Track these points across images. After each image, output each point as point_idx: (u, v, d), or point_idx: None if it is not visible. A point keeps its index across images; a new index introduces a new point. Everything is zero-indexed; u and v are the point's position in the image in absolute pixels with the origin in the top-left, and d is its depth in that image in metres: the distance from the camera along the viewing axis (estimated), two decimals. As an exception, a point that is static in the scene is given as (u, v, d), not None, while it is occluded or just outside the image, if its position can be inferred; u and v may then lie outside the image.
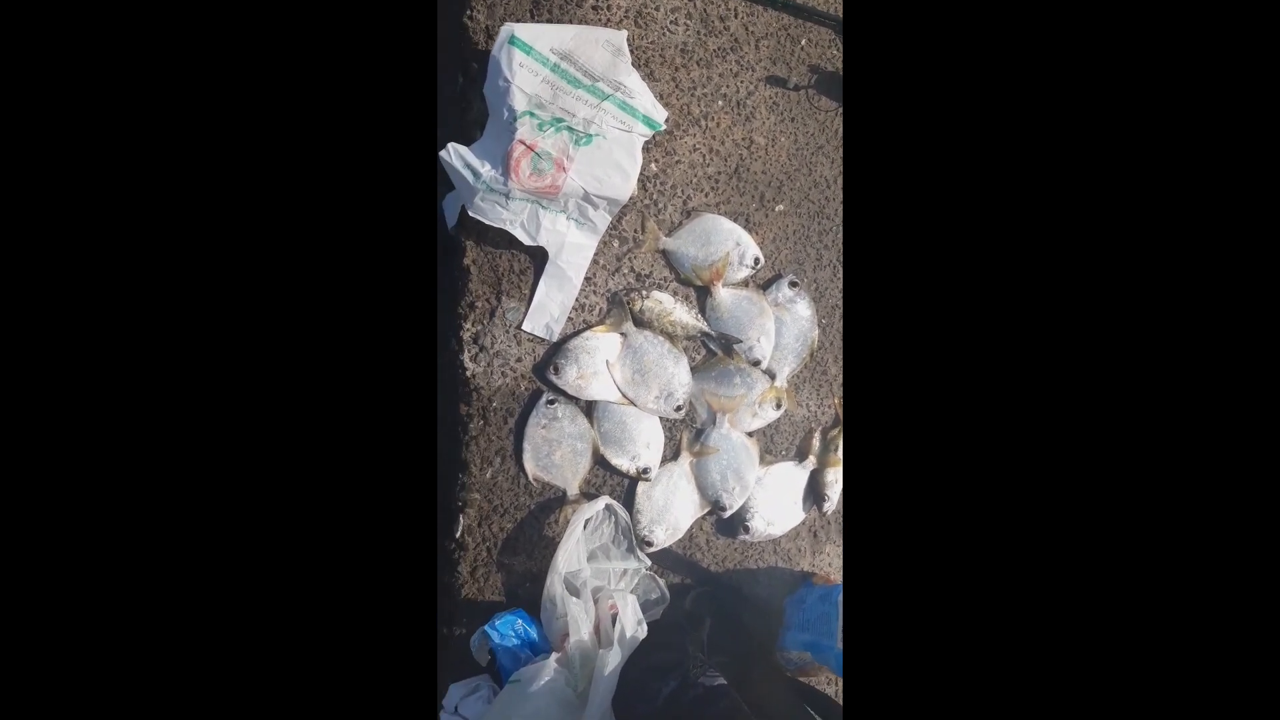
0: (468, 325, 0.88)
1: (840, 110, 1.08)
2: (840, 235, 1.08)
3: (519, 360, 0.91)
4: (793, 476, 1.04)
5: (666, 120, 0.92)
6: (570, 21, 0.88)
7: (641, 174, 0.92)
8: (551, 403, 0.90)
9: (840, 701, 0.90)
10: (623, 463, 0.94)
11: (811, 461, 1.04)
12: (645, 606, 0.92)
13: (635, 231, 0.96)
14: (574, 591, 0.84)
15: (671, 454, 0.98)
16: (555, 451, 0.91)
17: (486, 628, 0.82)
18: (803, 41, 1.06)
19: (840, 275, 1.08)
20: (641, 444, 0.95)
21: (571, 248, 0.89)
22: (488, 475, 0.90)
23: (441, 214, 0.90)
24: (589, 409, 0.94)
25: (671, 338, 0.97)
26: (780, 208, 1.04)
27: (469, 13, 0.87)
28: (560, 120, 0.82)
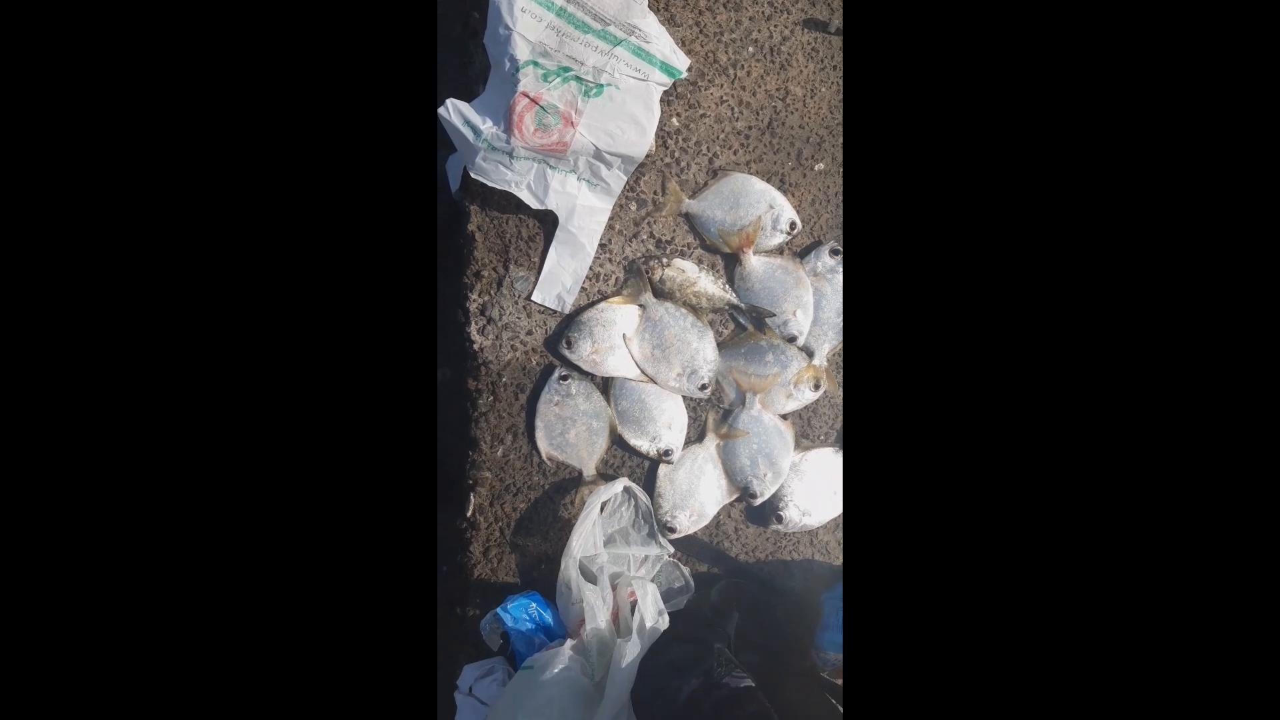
0: (474, 296, 0.84)
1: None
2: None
3: (529, 333, 0.86)
4: (832, 464, 0.94)
5: (689, 68, 0.84)
6: (580, -37, 0.81)
7: (661, 128, 0.84)
8: (565, 379, 0.85)
9: None
10: (642, 444, 0.88)
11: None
12: (667, 595, 0.86)
13: (655, 193, 0.88)
14: (590, 577, 0.79)
15: (696, 435, 0.91)
16: (569, 430, 0.86)
17: (499, 610, 0.78)
18: (847, -24, 0.95)
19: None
20: (663, 424, 0.88)
21: (583, 211, 0.83)
22: (499, 453, 0.86)
23: (444, 177, 0.85)
24: (605, 386, 0.88)
25: (696, 310, 0.89)
26: (820, 166, 0.94)
27: (471, -42, 0.81)
28: (567, 70, 0.75)
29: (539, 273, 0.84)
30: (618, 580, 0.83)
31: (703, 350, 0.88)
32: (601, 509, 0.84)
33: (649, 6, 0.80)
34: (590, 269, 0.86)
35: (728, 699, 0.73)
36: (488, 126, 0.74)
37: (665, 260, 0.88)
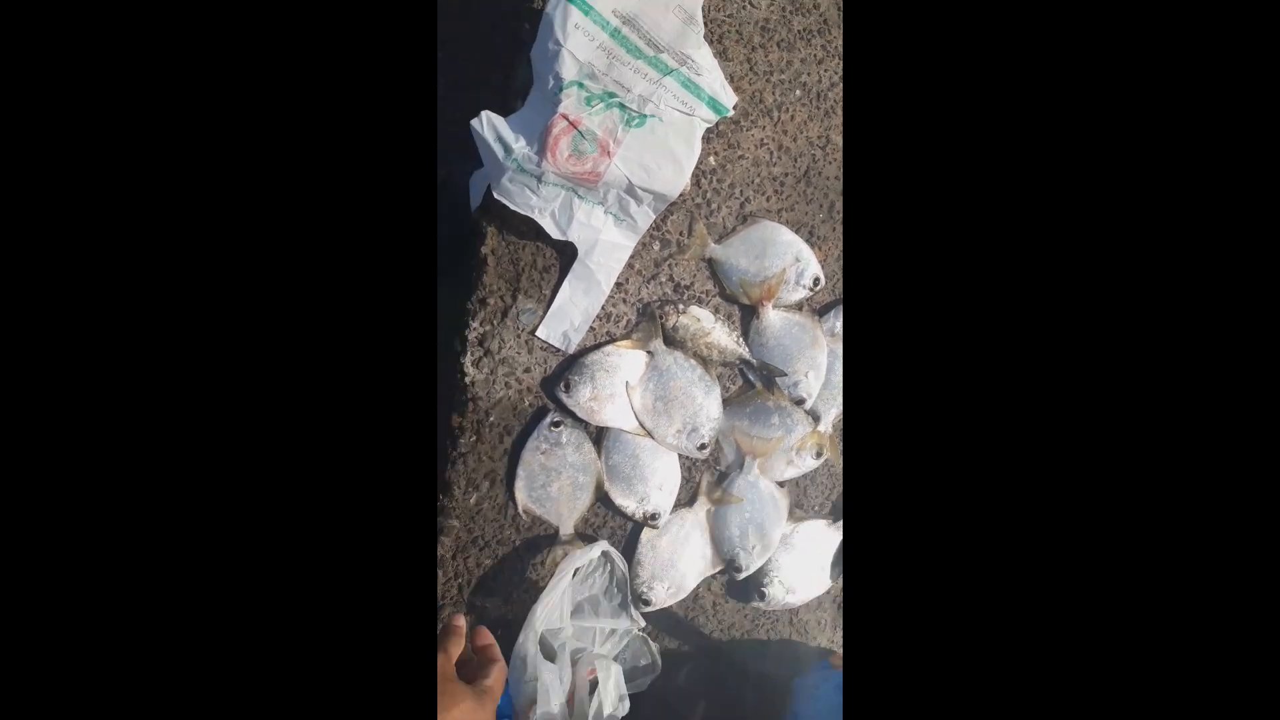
0: (475, 324, 0.75)
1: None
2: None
3: (527, 370, 0.77)
4: (823, 538, 0.90)
5: (735, 106, 0.77)
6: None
7: (697, 167, 0.77)
8: (556, 425, 0.77)
9: None
10: (629, 504, 0.80)
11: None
12: (631, 675, 0.79)
13: (680, 234, 0.81)
14: (549, 655, 0.71)
15: (687, 499, 0.85)
16: (553, 482, 0.78)
17: (447, 682, 0.69)
18: (903, 34, 0.90)
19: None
20: (654, 484, 0.81)
21: (605, 247, 0.75)
22: (472, 500, 0.77)
23: (466, 192, 0.76)
24: (598, 437, 0.80)
25: (705, 362, 0.82)
26: (850, 227, 0.89)
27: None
28: (612, 95, 0.67)
29: (548, 306, 0.76)
30: (579, 656, 0.76)
31: (707, 407, 0.82)
32: (574, 574, 0.76)
33: (704, 37, 0.73)
34: (602, 308, 0.78)
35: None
36: (520, 145, 0.66)
37: (681, 306, 0.81)
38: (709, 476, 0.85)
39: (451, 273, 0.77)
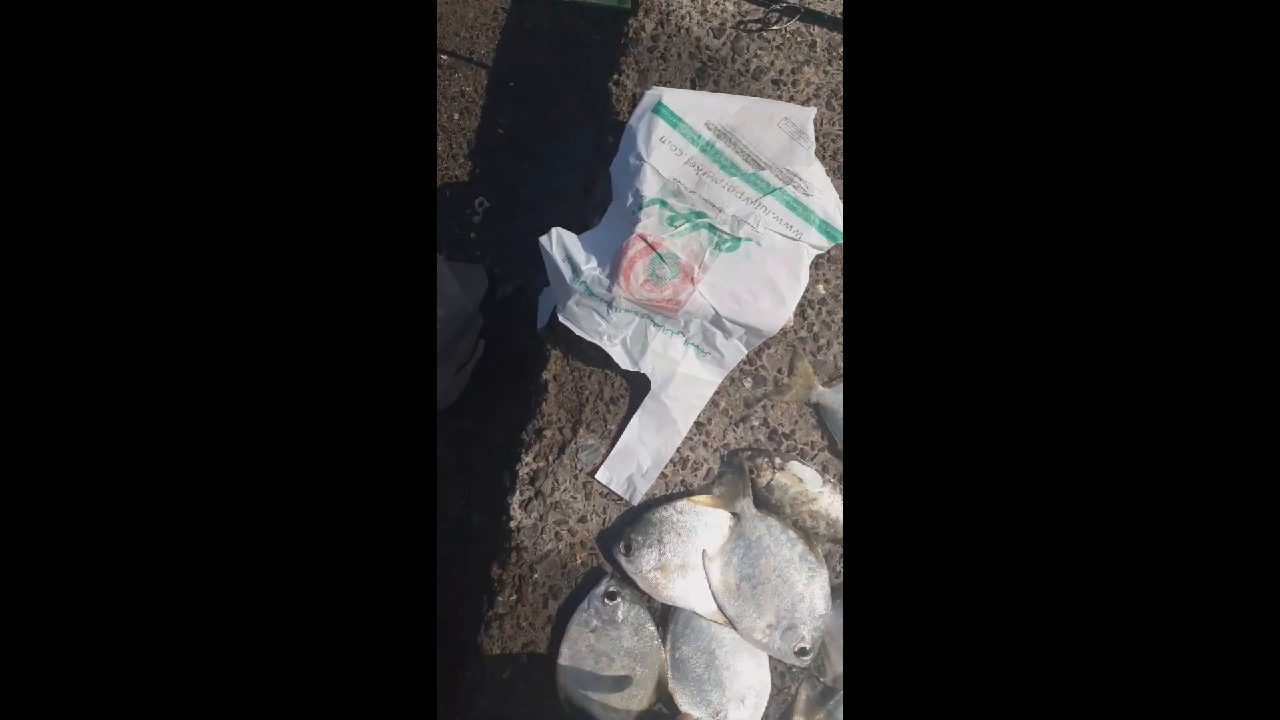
0: (528, 459, 0.66)
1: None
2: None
3: (582, 520, 0.65)
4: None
5: (852, 230, 0.66)
6: (741, 94, 0.68)
7: (803, 297, 0.65)
8: (612, 596, 0.63)
9: None
10: (701, 715, 0.61)
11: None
12: None
13: (779, 371, 0.68)
14: None
15: (777, 717, 0.63)
16: (604, 670, 0.62)
17: None
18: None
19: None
20: (733, 693, 0.61)
21: (684, 380, 0.64)
22: (505, 675, 0.63)
23: (534, 312, 0.71)
24: (663, 618, 0.64)
25: (809, 536, 0.65)
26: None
27: (616, 76, 0.72)
28: (700, 215, 0.60)
29: (612, 445, 0.65)
30: None
31: (809, 597, 0.63)
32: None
33: (816, 154, 0.65)
34: (678, 452, 0.65)
35: None
36: (590, 267, 0.60)
37: (779, 461, 0.66)
38: (809, 691, 0.64)
39: (508, 399, 0.71)
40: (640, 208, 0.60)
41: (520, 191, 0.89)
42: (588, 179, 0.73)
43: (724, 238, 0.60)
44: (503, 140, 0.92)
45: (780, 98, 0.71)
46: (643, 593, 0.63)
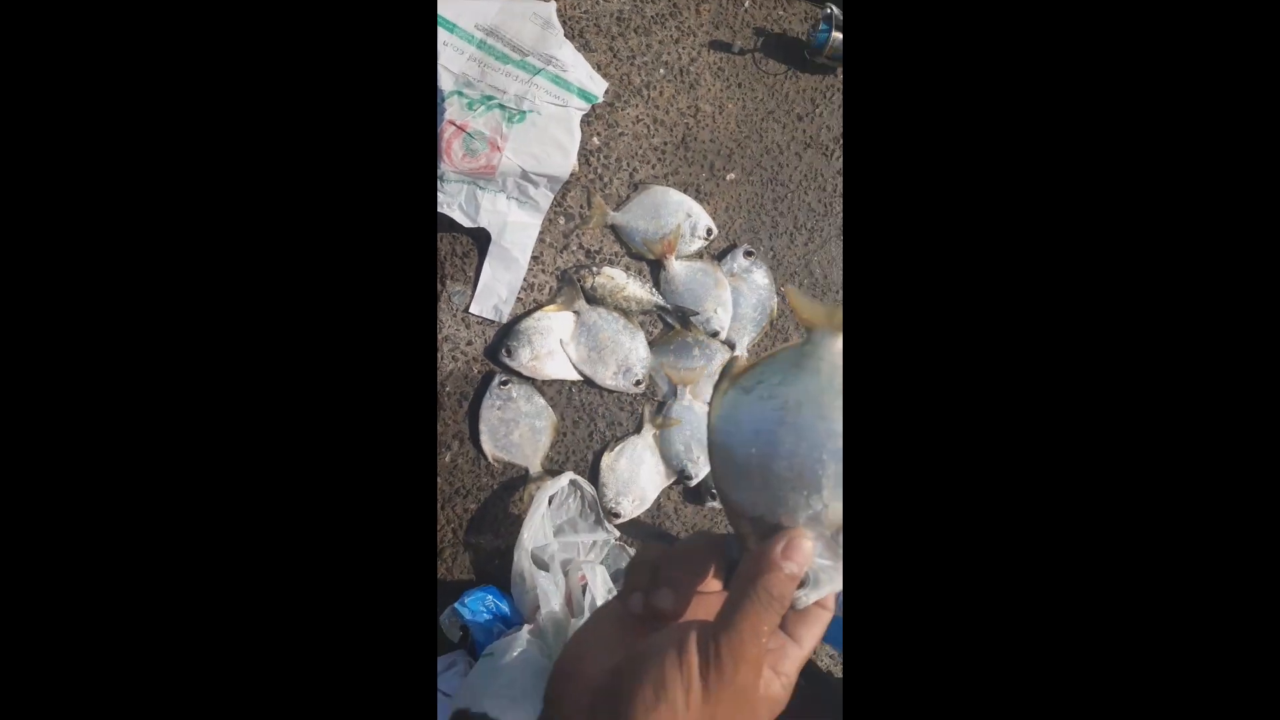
0: (416, 312, 0.88)
1: (789, 72, 1.06)
2: (795, 201, 1.07)
3: (469, 344, 0.91)
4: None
5: (605, 92, 0.91)
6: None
7: (583, 148, 0.91)
8: (505, 383, 0.91)
9: (839, 675, 0.91)
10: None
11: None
12: (615, 576, 0.94)
13: (581, 207, 0.95)
14: (542, 565, 0.86)
15: (634, 427, 0.99)
16: (513, 431, 0.92)
17: (456, 605, 0.83)
18: (746, 3, 1.04)
19: (800, 240, 1.08)
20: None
21: (515, 227, 0.88)
22: (446, 459, 0.91)
23: None
24: (544, 389, 0.94)
25: (626, 313, 0.97)
26: (731, 176, 1.03)
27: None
28: (490, 98, 0.81)
29: (474, 286, 0.89)
30: (569, 566, 0.90)
31: (635, 350, 0.96)
32: (550, 502, 0.91)
33: (565, 36, 0.87)
34: (525, 280, 0.92)
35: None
36: (417, 153, 0.79)
37: (595, 269, 0.95)
38: (649, 407, 1.00)
39: None
40: (443, 100, 0.79)
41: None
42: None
43: (513, 112, 0.82)
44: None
45: (528, -8, 0.90)
46: (526, 378, 0.92)
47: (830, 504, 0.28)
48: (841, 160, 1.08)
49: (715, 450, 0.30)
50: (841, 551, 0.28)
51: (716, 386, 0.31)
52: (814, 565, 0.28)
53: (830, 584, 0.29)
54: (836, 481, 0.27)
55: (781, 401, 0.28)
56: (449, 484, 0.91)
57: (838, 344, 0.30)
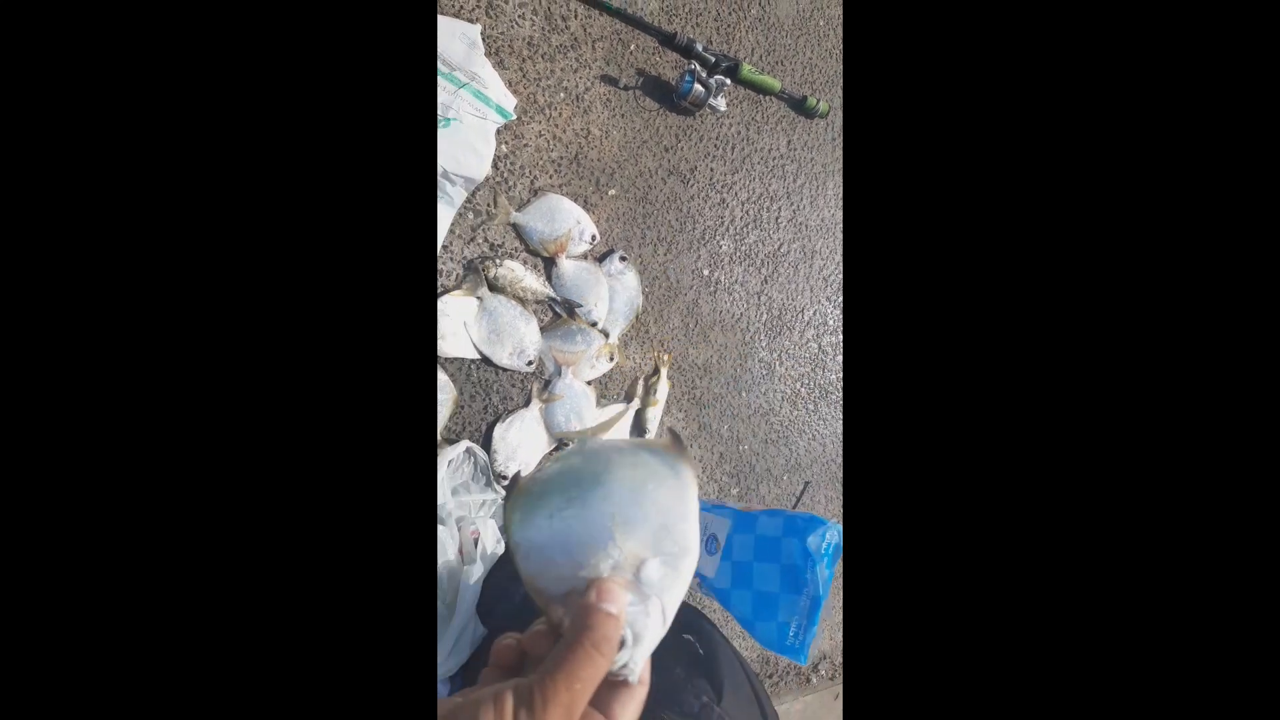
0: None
1: (660, 110, 1.30)
2: (659, 218, 1.31)
3: (381, 321, 0.98)
4: (618, 410, 1.28)
5: (515, 108, 1.04)
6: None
7: (494, 154, 1.03)
8: (414, 359, 1.00)
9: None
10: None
11: (636, 403, 1.30)
12: (501, 529, 1.09)
13: (488, 205, 1.07)
14: (440, 521, 0.98)
15: (523, 402, 1.15)
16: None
17: (361, 559, 0.91)
18: (631, 46, 1.25)
19: (661, 251, 1.32)
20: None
21: (431, 219, 0.98)
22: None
23: None
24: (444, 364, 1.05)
25: (523, 301, 1.12)
26: (612, 192, 1.24)
27: None
28: (420, 102, 0.89)
29: (390, 269, 0.97)
30: (462, 522, 1.04)
31: (529, 334, 1.12)
32: (447, 466, 1.03)
33: (485, 55, 0.98)
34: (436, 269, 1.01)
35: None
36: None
37: (498, 261, 1.08)
38: (537, 384, 1.16)
39: None
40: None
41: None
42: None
43: (441, 118, 0.91)
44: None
45: (453, 11, 0.99)
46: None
47: (624, 545, 0.30)
48: (694, 185, 1.35)
49: (518, 551, 0.32)
50: (650, 592, 0.30)
51: (508, 502, 0.34)
52: (628, 612, 0.29)
53: (650, 636, 0.30)
54: (624, 526, 0.30)
55: (566, 496, 0.32)
56: (355, 450, 0.97)
57: (611, 457, 0.34)
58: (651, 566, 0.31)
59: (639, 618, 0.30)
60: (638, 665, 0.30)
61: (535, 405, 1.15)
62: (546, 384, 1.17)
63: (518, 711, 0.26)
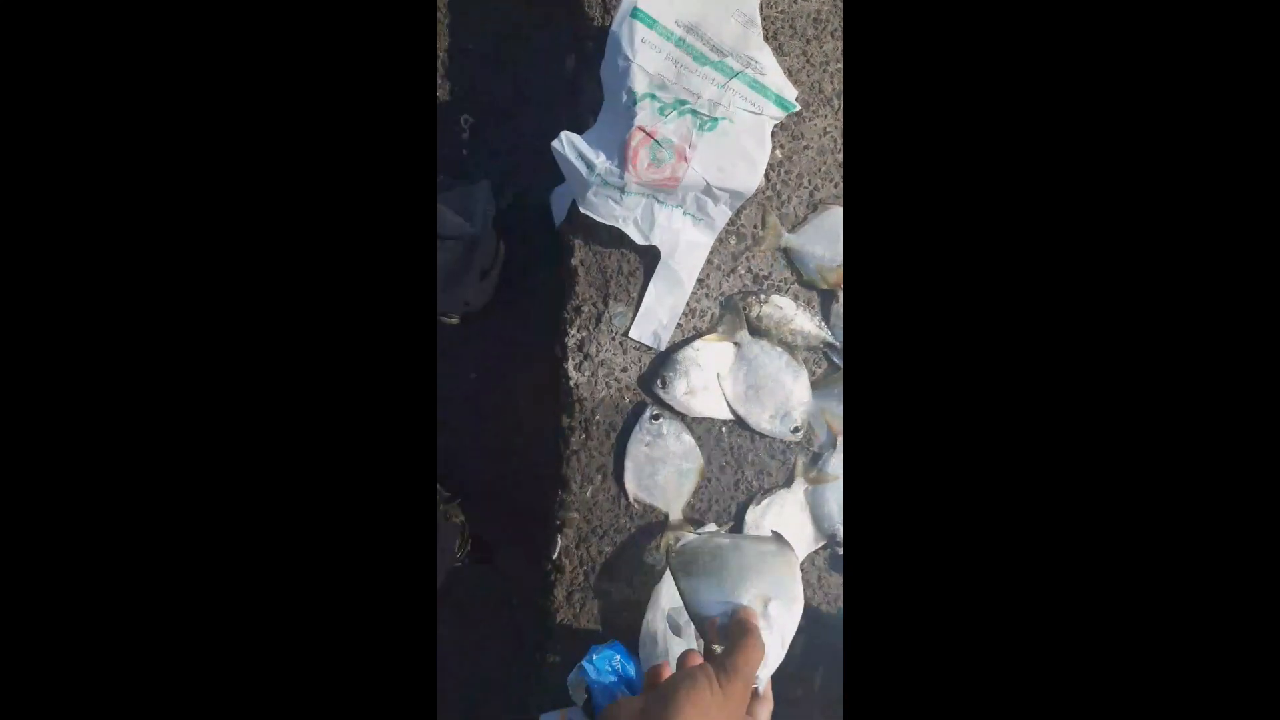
0: (573, 331, 0.81)
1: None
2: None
3: (624, 370, 0.83)
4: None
5: (796, 99, 0.80)
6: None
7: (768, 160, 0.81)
8: (656, 418, 0.82)
9: None
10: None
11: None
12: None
13: (754, 227, 0.85)
14: (676, 631, 0.76)
15: (784, 480, 0.87)
16: (659, 471, 0.83)
17: (585, 663, 0.75)
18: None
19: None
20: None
21: (686, 246, 0.79)
22: (588, 493, 0.83)
23: (545, 208, 0.83)
24: (695, 427, 0.84)
25: (791, 348, 0.85)
26: (921, 200, 0.90)
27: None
28: (684, 102, 0.72)
29: (637, 308, 0.81)
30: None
31: (796, 392, 0.85)
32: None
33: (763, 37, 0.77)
34: (687, 304, 0.82)
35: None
36: (601, 161, 0.72)
37: (762, 297, 0.84)
38: (803, 459, 0.88)
39: (546, 285, 0.84)
40: (635, 103, 0.71)
41: (500, 105, 0.95)
42: (570, 84, 0.82)
43: (705, 119, 0.73)
44: (474, 57, 0.95)
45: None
46: (678, 413, 0.83)
47: (753, 599, 0.57)
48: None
49: (680, 578, 0.61)
50: (773, 625, 0.56)
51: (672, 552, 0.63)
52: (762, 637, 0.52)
53: (774, 659, 0.57)
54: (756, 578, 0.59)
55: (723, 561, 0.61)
56: (587, 521, 0.83)
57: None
58: (775, 605, 0.58)
59: (768, 648, 0.52)
60: (765, 676, 0.54)
61: (799, 486, 0.87)
62: (815, 459, 0.88)
63: (716, 677, 0.46)
